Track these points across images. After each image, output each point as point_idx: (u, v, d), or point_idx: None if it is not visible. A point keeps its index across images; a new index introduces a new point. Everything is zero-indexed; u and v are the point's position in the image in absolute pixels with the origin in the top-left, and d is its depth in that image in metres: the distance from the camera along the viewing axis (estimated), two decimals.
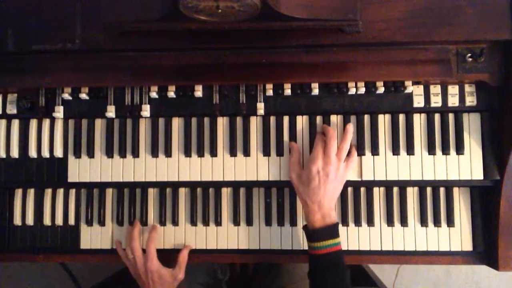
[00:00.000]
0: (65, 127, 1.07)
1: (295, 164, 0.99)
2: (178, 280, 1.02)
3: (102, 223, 1.07)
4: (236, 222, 1.05)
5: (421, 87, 1.02)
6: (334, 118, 1.04)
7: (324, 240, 0.92)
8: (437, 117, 1.02)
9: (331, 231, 0.93)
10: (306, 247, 1.04)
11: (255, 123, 1.05)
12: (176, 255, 1.02)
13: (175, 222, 1.06)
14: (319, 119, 1.04)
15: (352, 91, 1.01)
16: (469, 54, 0.98)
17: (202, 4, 0.82)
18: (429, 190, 1.04)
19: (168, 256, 1.05)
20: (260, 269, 1.33)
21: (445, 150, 1.01)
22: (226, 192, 1.06)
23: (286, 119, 1.04)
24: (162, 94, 1.04)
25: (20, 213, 1.08)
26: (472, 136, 1.01)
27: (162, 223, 1.06)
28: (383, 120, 1.03)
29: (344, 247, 1.03)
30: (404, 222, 1.03)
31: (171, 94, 1.03)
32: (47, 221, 1.08)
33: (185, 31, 0.94)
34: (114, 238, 1.07)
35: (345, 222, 1.04)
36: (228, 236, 1.05)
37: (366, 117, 1.03)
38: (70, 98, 1.06)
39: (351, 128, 1.00)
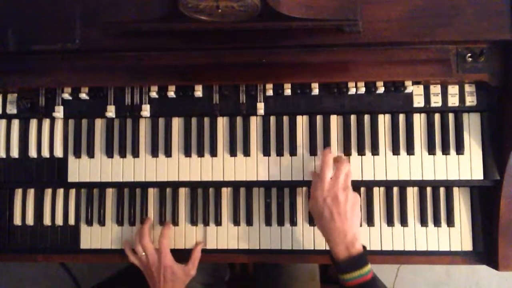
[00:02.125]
0: (65, 127, 1.07)
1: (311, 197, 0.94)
2: (190, 276, 1.02)
3: (102, 223, 1.07)
4: (236, 222, 1.05)
5: (421, 87, 1.02)
6: (334, 118, 1.04)
7: (351, 272, 0.86)
8: (437, 117, 1.03)
9: (358, 262, 0.87)
10: (306, 247, 1.04)
11: (255, 123, 1.05)
12: (189, 253, 1.03)
13: (175, 222, 1.06)
14: (319, 119, 1.04)
15: (352, 91, 1.01)
16: (469, 54, 0.98)
17: (202, 4, 0.82)
18: (429, 190, 1.04)
19: None
20: (261, 269, 1.33)
21: (445, 150, 1.01)
22: (226, 192, 1.06)
23: (286, 119, 1.04)
24: (162, 94, 1.04)
25: (20, 213, 1.08)
26: (472, 136, 1.01)
27: (162, 223, 1.06)
28: (383, 120, 1.03)
29: None
30: (404, 222, 1.03)
31: (171, 94, 1.03)
32: (47, 221, 1.08)
33: (185, 31, 0.94)
34: (114, 238, 1.07)
35: None
36: (228, 236, 1.05)
37: (366, 117, 1.03)
38: (70, 98, 1.06)
39: (340, 158, 0.97)
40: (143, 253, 1.02)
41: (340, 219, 0.88)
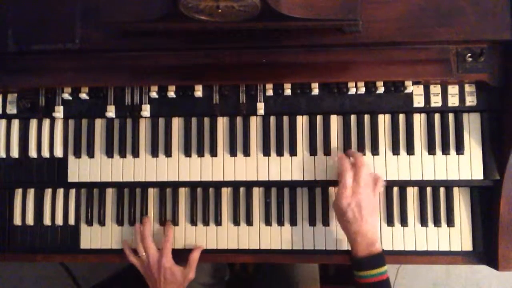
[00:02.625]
0: (65, 127, 1.07)
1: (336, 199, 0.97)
2: (188, 279, 1.02)
3: (102, 223, 1.07)
4: (236, 222, 1.05)
5: (421, 87, 1.02)
6: (334, 118, 1.04)
7: (369, 270, 0.91)
8: (437, 117, 1.03)
9: (376, 260, 0.92)
10: (306, 247, 1.04)
11: (255, 123, 1.05)
12: (188, 255, 1.03)
13: (175, 222, 1.06)
14: (319, 119, 1.04)
15: (352, 91, 1.01)
16: (469, 54, 0.98)
17: (202, 4, 0.82)
18: (429, 190, 1.04)
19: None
20: (261, 269, 1.33)
21: (445, 150, 1.01)
22: (226, 192, 1.06)
23: (286, 119, 1.04)
24: (162, 94, 1.04)
25: (20, 213, 1.08)
26: (472, 136, 1.01)
27: (162, 223, 1.06)
28: (383, 120, 1.03)
29: (344, 247, 1.03)
30: (404, 222, 1.03)
31: (171, 94, 1.03)
32: (47, 221, 1.08)
33: (185, 31, 0.94)
34: (114, 238, 1.07)
35: None
36: (228, 236, 1.05)
37: (366, 117, 1.03)
38: (70, 98, 1.06)
39: (356, 153, 0.99)
40: (144, 254, 1.02)
41: (362, 222, 0.93)
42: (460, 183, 1.03)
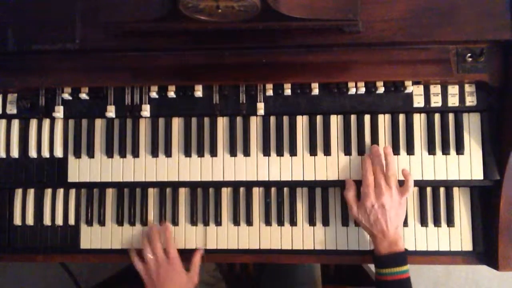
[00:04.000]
0: (65, 127, 1.07)
1: (352, 200, 0.98)
2: (193, 283, 1.02)
3: (102, 223, 1.07)
4: (236, 222, 1.05)
5: (421, 87, 1.02)
6: (334, 118, 1.04)
7: (391, 267, 0.92)
8: (437, 117, 1.03)
9: (399, 259, 0.93)
10: (306, 247, 1.04)
11: (255, 123, 1.05)
12: (190, 259, 1.03)
13: (175, 222, 1.06)
14: (319, 119, 1.04)
15: (352, 91, 1.01)
16: (469, 54, 0.98)
17: (202, 4, 0.82)
18: (429, 190, 1.04)
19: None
20: (264, 270, 1.33)
21: (445, 150, 1.01)
22: (226, 192, 1.06)
23: (286, 119, 1.04)
24: (162, 94, 1.04)
25: (20, 213, 1.08)
26: (472, 136, 1.01)
27: (162, 223, 1.06)
28: (383, 120, 1.03)
29: (344, 247, 1.03)
30: (404, 222, 1.03)
31: (171, 94, 1.03)
32: (47, 221, 1.08)
33: (185, 31, 0.94)
34: (114, 238, 1.07)
35: (345, 223, 1.04)
36: (228, 236, 1.05)
37: (366, 117, 1.03)
38: (70, 98, 1.06)
39: (390, 150, 0.99)
40: (150, 255, 1.01)
41: (385, 223, 0.94)
42: (460, 183, 1.03)
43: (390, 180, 0.96)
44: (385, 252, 0.94)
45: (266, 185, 1.05)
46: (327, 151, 1.03)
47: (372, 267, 1.50)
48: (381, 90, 1.01)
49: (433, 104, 1.02)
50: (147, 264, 1.01)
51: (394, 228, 0.95)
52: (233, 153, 1.04)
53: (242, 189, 1.06)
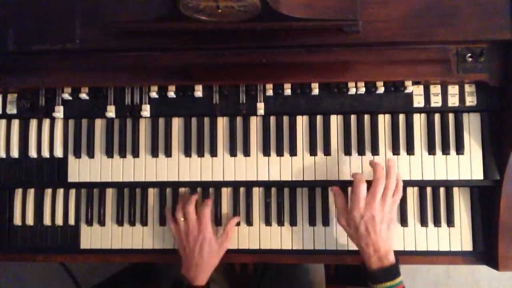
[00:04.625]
0: (65, 127, 1.07)
1: (341, 209, 0.96)
2: (224, 248, 1.01)
3: (102, 223, 1.07)
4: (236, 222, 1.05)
5: (421, 87, 1.02)
6: (334, 118, 1.04)
7: (383, 282, 0.89)
8: (437, 117, 1.03)
9: (390, 273, 0.90)
10: (306, 247, 1.04)
11: (255, 123, 1.05)
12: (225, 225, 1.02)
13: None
14: (319, 119, 1.04)
15: (352, 91, 1.01)
16: (469, 54, 0.98)
17: (202, 4, 0.82)
18: (429, 190, 1.04)
19: (168, 257, 1.06)
20: (268, 271, 1.32)
21: (445, 150, 1.01)
22: (226, 192, 1.06)
23: (286, 119, 1.04)
24: (162, 94, 1.04)
25: (20, 213, 1.08)
26: (472, 136, 1.01)
27: (162, 223, 1.06)
28: (383, 120, 1.03)
29: (344, 247, 1.03)
30: (404, 222, 1.03)
31: (171, 94, 1.03)
32: (47, 221, 1.08)
33: (185, 31, 0.94)
34: (114, 238, 1.07)
35: None
36: None
37: (366, 117, 1.03)
38: (70, 98, 1.06)
39: (393, 163, 0.95)
40: (182, 219, 1.00)
41: (375, 236, 0.91)
42: (460, 183, 1.03)
43: (386, 192, 0.93)
44: (376, 267, 0.90)
45: (266, 185, 1.05)
46: (327, 151, 1.03)
47: None
48: (381, 90, 1.01)
49: (433, 104, 1.02)
50: (179, 227, 1.01)
51: (385, 242, 0.91)
52: (233, 153, 1.04)
53: (242, 189, 1.06)
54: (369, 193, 0.93)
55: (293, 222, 1.04)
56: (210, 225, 1.00)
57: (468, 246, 1.03)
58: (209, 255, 0.99)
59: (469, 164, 1.01)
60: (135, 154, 1.05)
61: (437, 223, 1.03)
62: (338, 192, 0.98)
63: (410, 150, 1.02)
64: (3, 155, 1.07)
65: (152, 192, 1.07)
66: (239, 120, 1.05)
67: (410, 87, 1.01)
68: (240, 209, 1.05)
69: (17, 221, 1.08)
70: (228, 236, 1.01)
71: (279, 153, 1.03)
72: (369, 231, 0.91)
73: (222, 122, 1.05)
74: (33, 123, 1.07)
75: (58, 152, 1.06)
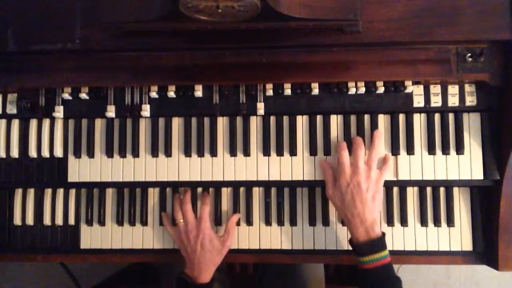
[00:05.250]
0: (65, 127, 1.07)
1: (329, 182, 0.98)
2: (226, 247, 1.01)
3: (102, 223, 1.07)
4: (236, 222, 1.05)
5: (421, 87, 1.02)
6: (334, 118, 1.04)
7: (370, 255, 0.90)
8: (437, 117, 1.02)
9: (376, 245, 0.91)
10: (306, 247, 1.04)
11: (255, 123, 1.05)
12: (226, 223, 1.03)
13: (174, 222, 1.05)
14: (319, 119, 1.04)
15: (352, 91, 1.01)
16: (469, 54, 0.98)
17: (202, 4, 0.82)
18: (429, 190, 1.04)
19: (168, 257, 1.06)
20: (268, 271, 1.32)
21: (445, 150, 1.01)
22: (226, 192, 1.06)
23: (286, 119, 1.04)
24: (162, 94, 1.04)
25: (20, 213, 1.08)
26: (472, 136, 1.01)
27: (162, 223, 1.06)
28: (383, 120, 1.03)
29: (344, 247, 1.03)
30: (404, 222, 1.03)
31: (171, 94, 1.03)
32: (47, 221, 1.08)
33: (185, 31, 0.94)
34: (114, 238, 1.07)
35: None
36: None
37: (366, 117, 1.03)
38: (70, 98, 1.06)
39: (378, 133, 0.99)
40: (181, 220, 1.01)
41: (362, 205, 0.92)
42: (460, 183, 1.03)
43: (370, 160, 0.95)
44: (363, 240, 0.91)
45: (266, 185, 1.05)
46: (327, 151, 1.03)
47: None
48: (381, 90, 1.01)
49: (433, 104, 1.02)
50: (178, 229, 1.01)
51: (371, 213, 0.92)
52: (233, 153, 1.04)
53: (242, 189, 1.06)
54: (353, 161, 0.96)
55: (293, 222, 1.04)
56: (209, 222, 1.01)
57: (468, 246, 1.03)
58: (211, 253, 0.99)
59: (469, 164, 1.01)
60: (135, 154, 1.05)
61: (437, 223, 1.03)
62: (326, 166, 1.00)
63: (410, 150, 1.02)
64: (3, 155, 1.07)
65: (152, 192, 1.07)
66: (239, 120, 1.05)
67: (410, 87, 1.01)
68: (240, 209, 1.05)
69: (17, 221, 1.08)
70: (230, 234, 1.01)
71: (279, 153, 1.03)
72: (355, 200, 0.92)
73: (222, 122, 1.05)
74: (33, 123, 1.07)
75: (58, 152, 1.06)
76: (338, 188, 0.95)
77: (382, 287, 0.90)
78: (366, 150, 0.99)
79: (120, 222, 1.07)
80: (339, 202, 0.95)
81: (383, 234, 0.94)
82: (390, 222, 1.03)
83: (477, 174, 1.00)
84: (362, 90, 1.01)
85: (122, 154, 1.05)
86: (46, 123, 1.07)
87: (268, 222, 1.05)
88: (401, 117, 1.03)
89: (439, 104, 1.02)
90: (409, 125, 1.02)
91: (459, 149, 1.01)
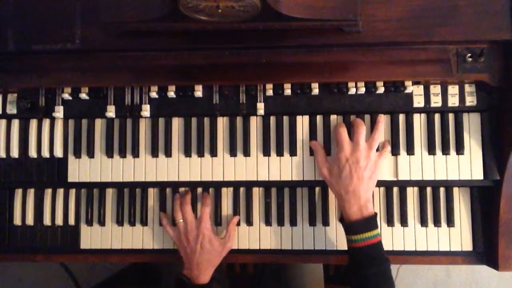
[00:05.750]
0: (65, 127, 1.07)
1: (322, 160, 0.99)
2: (227, 249, 1.01)
3: (102, 223, 1.07)
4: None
5: (421, 87, 1.02)
6: (334, 118, 1.04)
7: (362, 233, 0.90)
8: (437, 117, 1.03)
9: (369, 223, 0.91)
10: (306, 247, 1.04)
11: (255, 123, 1.05)
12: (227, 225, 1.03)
13: (174, 223, 1.05)
14: (319, 119, 1.04)
15: (352, 91, 1.01)
16: (469, 54, 0.98)
17: (202, 4, 0.82)
18: (429, 190, 1.04)
19: (168, 257, 1.06)
20: (266, 271, 1.32)
21: (445, 150, 1.01)
22: (226, 192, 1.06)
23: (286, 119, 1.04)
24: (162, 94, 1.04)
25: (20, 213, 1.08)
26: (472, 136, 1.01)
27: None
28: (383, 120, 1.03)
29: (344, 247, 1.03)
30: (404, 222, 1.03)
31: (171, 94, 1.03)
32: (47, 221, 1.08)
33: (185, 31, 0.94)
34: (114, 238, 1.07)
35: None
36: None
37: (366, 117, 1.03)
38: (70, 98, 1.06)
39: (383, 118, 1.00)
40: (181, 220, 1.01)
41: (358, 181, 0.92)
42: (460, 183, 1.03)
43: (373, 140, 0.96)
44: (356, 218, 0.92)
45: (266, 185, 1.05)
46: (327, 151, 1.03)
47: None
48: (381, 90, 1.01)
49: (433, 104, 1.02)
50: (178, 229, 1.01)
51: (365, 191, 0.92)
52: (233, 153, 1.04)
53: (242, 189, 1.06)
54: (353, 139, 0.96)
55: (293, 222, 1.04)
56: (209, 223, 1.01)
57: (468, 246, 1.03)
58: (210, 254, 0.99)
59: (469, 164, 1.01)
60: (135, 154, 1.05)
61: (437, 223, 1.03)
62: (318, 146, 1.01)
63: (410, 150, 1.02)
64: (3, 155, 1.07)
65: (152, 192, 1.08)
66: (239, 120, 1.05)
67: (410, 87, 1.01)
68: (240, 209, 1.05)
69: (17, 221, 1.08)
70: (231, 236, 1.02)
71: (279, 153, 1.03)
72: (352, 175, 0.92)
73: (222, 122, 1.05)
74: (33, 123, 1.07)
75: (58, 152, 1.06)
76: (336, 162, 0.95)
77: (371, 266, 0.90)
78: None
79: (120, 222, 1.07)
80: (334, 178, 0.95)
81: (375, 214, 0.94)
82: (390, 222, 1.03)
83: (477, 174, 1.00)
84: (362, 90, 1.01)
85: (122, 154, 1.05)
86: (46, 123, 1.07)
87: (268, 222, 1.05)
88: (401, 117, 1.03)
89: (439, 104, 1.02)
90: (409, 125, 1.02)
91: (459, 149, 1.01)
